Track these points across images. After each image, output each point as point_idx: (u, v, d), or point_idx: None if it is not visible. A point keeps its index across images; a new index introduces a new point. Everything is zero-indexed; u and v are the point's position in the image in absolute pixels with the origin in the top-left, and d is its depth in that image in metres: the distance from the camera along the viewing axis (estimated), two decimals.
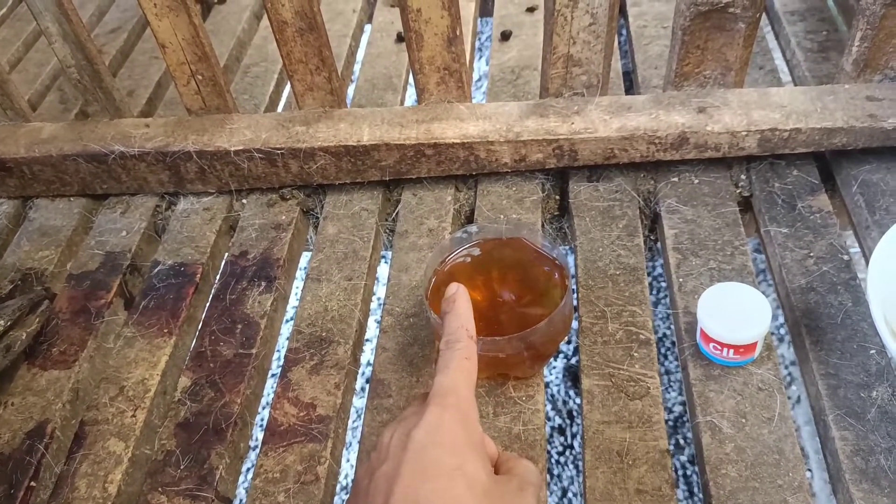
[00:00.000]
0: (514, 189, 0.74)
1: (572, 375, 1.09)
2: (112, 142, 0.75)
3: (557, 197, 0.75)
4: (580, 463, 1.00)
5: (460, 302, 0.49)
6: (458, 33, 0.68)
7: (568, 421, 1.05)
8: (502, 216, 0.71)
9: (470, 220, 0.74)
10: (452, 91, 0.73)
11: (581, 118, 0.70)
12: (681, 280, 0.63)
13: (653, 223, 0.72)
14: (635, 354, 0.59)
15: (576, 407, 1.06)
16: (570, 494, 0.97)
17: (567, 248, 0.71)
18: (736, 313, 0.55)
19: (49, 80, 1.00)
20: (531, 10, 0.98)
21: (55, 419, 0.61)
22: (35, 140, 0.77)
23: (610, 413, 0.56)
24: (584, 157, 0.70)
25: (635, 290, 0.63)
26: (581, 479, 0.74)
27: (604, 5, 0.66)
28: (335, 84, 0.74)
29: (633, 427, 0.54)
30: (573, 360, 1.09)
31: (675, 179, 0.72)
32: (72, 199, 0.79)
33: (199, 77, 0.74)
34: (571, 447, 1.02)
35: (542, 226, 0.71)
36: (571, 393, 1.09)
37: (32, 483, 0.57)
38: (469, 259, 0.60)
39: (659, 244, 0.71)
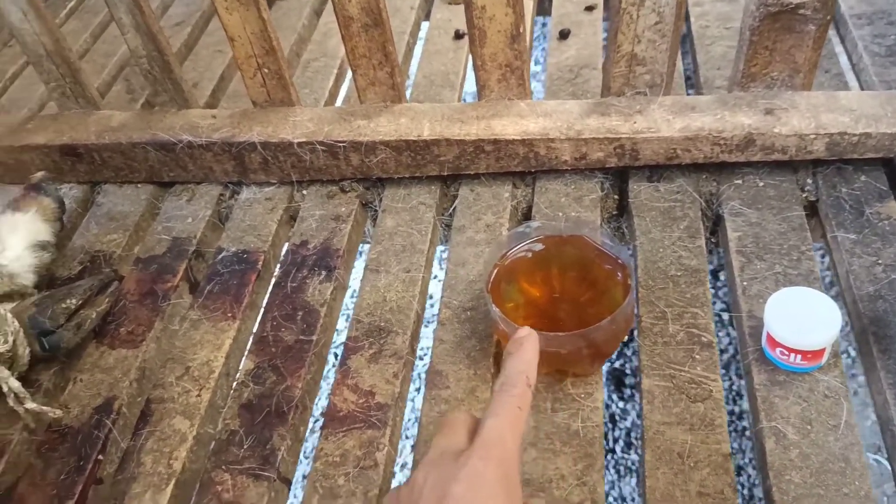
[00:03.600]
0: (572, 187, 0.74)
1: (615, 379, 1.08)
2: (180, 131, 0.77)
3: (616, 196, 0.74)
4: (621, 467, 1.00)
5: (527, 346, 0.45)
6: (521, 30, 0.69)
7: (610, 424, 1.04)
8: (561, 214, 0.71)
9: (527, 216, 0.74)
10: (513, 88, 0.73)
11: (644, 117, 0.69)
12: (745, 283, 0.63)
13: (714, 225, 0.71)
14: (697, 357, 0.58)
15: (618, 410, 1.05)
16: (609, 499, 0.97)
17: (626, 246, 0.71)
18: (805, 318, 0.54)
19: (116, 71, 1.03)
20: (590, 8, 0.98)
21: (122, 396, 0.62)
22: (105, 127, 0.80)
23: (671, 414, 0.55)
24: (645, 157, 0.70)
25: (697, 293, 0.62)
26: (637, 480, 0.74)
27: (671, 4, 0.66)
28: (397, 79, 0.75)
29: (694, 429, 0.54)
30: (616, 364, 1.08)
31: (739, 182, 0.71)
32: (139, 185, 0.82)
33: (266, 70, 0.75)
34: (613, 451, 1.01)
35: (601, 225, 0.71)
36: (614, 396, 1.08)
37: (100, 457, 0.59)
38: (530, 254, 0.60)
39: (720, 247, 0.70)
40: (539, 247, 0.60)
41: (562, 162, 0.72)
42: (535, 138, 0.70)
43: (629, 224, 0.71)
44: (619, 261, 0.58)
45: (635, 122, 0.69)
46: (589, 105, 0.72)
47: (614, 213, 0.74)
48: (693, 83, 0.91)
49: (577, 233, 0.60)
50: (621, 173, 0.75)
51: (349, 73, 1.02)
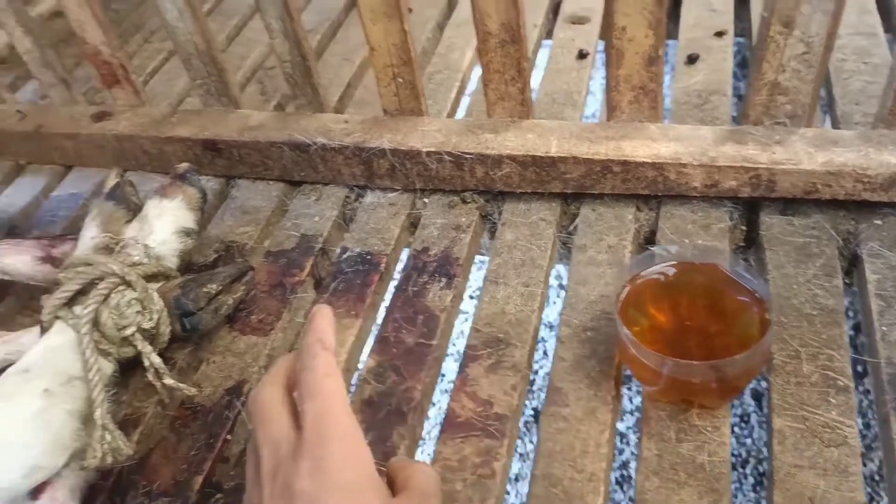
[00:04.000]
0: (699, 214, 0.73)
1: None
2: (315, 133, 0.80)
3: (744, 227, 0.73)
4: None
5: (318, 318, 0.43)
6: (659, 53, 0.68)
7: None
8: (686, 240, 0.70)
9: (650, 241, 0.74)
10: (645, 111, 0.73)
11: (783, 148, 0.68)
12: (884, 329, 0.60)
13: (850, 265, 0.68)
14: (832, 400, 0.56)
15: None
16: None
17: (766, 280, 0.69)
18: None
19: (249, 73, 1.08)
20: (720, 34, 0.96)
21: (251, 381, 0.65)
22: (245, 126, 0.84)
23: (803, 457, 0.54)
24: (781, 189, 0.68)
25: (833, 334, 0.60)
26: None
27: (821, 34, 0.64)
28: (528, 95, 0.76)
29: (827, 475, 0.52)
30: None
31: (879, 222, 0.68)
32: (270, 182, 0.86)
33: (400, 80, 0.78)
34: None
35: (732, 252, 0.70)
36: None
37: (228, 436, 0.62)
38: (662, 278, 0.60)
39: (856, 288, 0.68)
40: (670, 272, 0.60)
41: (691, 188, 0.71)
42: (666, 162, 0.70)
43: (759, 257, 0.69)
44: (757, 294, 0.57)
45: (774, 153, 0.67)
46: (724, 132, 0.71)
47: (741, 244, 0.73)
48: (827, 117, 0.88)
49: (711, 261, 0.60)
50: (751, 204, 0.73)
51: (470, 87, 1.04)
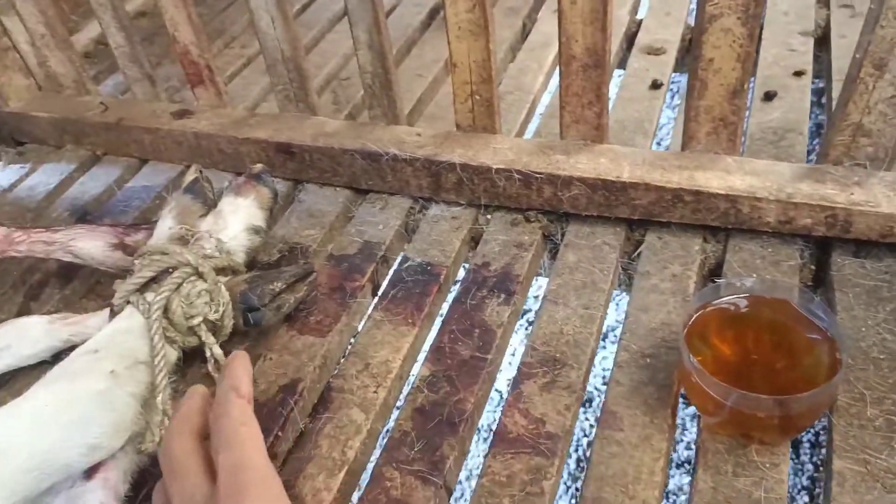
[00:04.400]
0: (769, 250, 0.71)
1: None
2: (388, 144, 0.82)
3: (814, 266, 0.71)
4: None
5: (233, 364, 0.40)
6: (744, 87, 0.68)
7: None
8: (755, 275, 0.69)
9: (716, 273, 0.73)
10: (723, 143, 0.73)
11: (862, 190, 0.66)
12: None
13: None
14: (895, 446, 0.54)
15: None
16: None
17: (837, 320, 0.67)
18: None
19: (323, 83, 1.12)
20: (799, 74, 0.95)
21: (306, 380, 0.66)
22: (320, 132, 0.86)
23: (863, 501, 0.52)
24: (857, 231, 0.67)
25: None
26: None
27: None
28: (603, 120, 0.76)
29: None
30: None
31: None
32: (338, 188, 0.87)
33: (478, 97, 0.79)
34: None
35: (806, 289, 0.68)
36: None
37: (279, 433, 0.63)
38: (732, 308, 0.59)
39: None
40: (742, 303, 0.59)
41: (764, 223, 0.70)
42: (740, 195, 0.69)
43: (828, 298, 0.68)
44: (829, 333, 0.55)
45: (853, 194, 0.66)
46: (802, 169, 0.69)
47: (809, 283, 0.71)
48: None
49: (785, 297, 0.58)
50: (822, 244, 0.72)
51: (539, 109, 1.05)
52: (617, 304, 1.18)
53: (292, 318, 0.72)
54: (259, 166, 0.79)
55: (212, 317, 0.65)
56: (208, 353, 0.65)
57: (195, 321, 0.64)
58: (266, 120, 0.91)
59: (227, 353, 0.68)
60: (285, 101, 0.90)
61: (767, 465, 0.55)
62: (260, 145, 0.88)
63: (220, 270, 0.69)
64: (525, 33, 1.18)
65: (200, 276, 0.65)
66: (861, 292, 0.66)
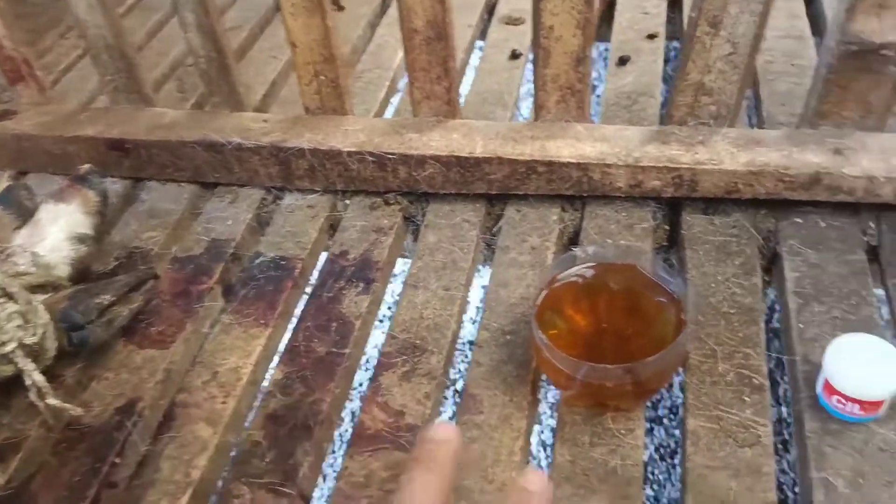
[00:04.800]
0: (623, 214, 0.71)
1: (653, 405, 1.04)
2: (231, 133, 0.76)
3: (667, 227, 0.71)
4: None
5: (422, 479, 0.30)
6: (587, 53, 0.67)
7: None
8: (609, 241, 0.69)
9: (574, 241, 0.72)
10: (572, 111, 0.72)
11: (706, 148, 0.67)
12: (801, 326, 0.59)
13: (769, 264, 0.68)
14: (747, 399, 0.55)
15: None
16: None
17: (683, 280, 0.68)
18: (867, 367, 0.51)
19: (168, 70, 1.04)
20: (651, 36, 0.96)
21: (146, 398, 0.61)
22: (156, 124, 0.80)
23: (716, 458, 0.52)
24: (704, 189, 0.67)
25: (750, 332, 0.59)
26: None
27: (748, 35, 0.63)
28: (453, 94, 0.73)
29: (740, 475, 0.51)
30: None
31: (799, 220, 0.68)
32: (182, 184, 0.81)
33: (322, 78, 0.75)
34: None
35: (652, 252, 0.68)
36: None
37: (117, 459, 0.57)
38: (580, 280, 0.58)
39: (775, 286, 0.67)
40: (590, 273, 0.58)
41: (616, 188, 0.69)
42: (591, 162, 0.68)
43: (680, 256, 0.68)
44: (674, 295, 0.55)
45: (697, 153, 0.66)
46: (649, 132, 0.69)
47: (664, 243, 0.71)
48: (753, 118, 0.88)
49: (630, 261, 0.58)
50: (674, 204, 0.72)
51: (400, 87, 1.01)
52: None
53: (130, 331, 0.66)
54: (86, 167, 0.72)
55: (28, 340, 0.58)
56: (28, 381, 0.58)
57: (7, 348, 0.57)
58: (97, 115, 0.83)
59: (55, 378, 0.62)
60: (116, 93, 0.83)
61: (623, 432, 0.54)
62: (90, 143, 0.80)
63: (38, 288, 0.62)
64: (385, 7, 1.14)
65: (10, 296, 0.58)
66: (711, 249, 0.67)
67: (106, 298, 0.61)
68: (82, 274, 0.69)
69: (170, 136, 0.78)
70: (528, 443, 0.56)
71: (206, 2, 0.72)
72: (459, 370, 0.88)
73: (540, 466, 0.92)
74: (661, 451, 0.97)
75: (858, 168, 0.64)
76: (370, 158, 0.74)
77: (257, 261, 0.72)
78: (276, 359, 0.65)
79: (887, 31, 0.60)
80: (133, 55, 0.79)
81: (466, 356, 1.04)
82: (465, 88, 0.94)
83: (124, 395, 0.61)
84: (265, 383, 0.63)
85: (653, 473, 0.96)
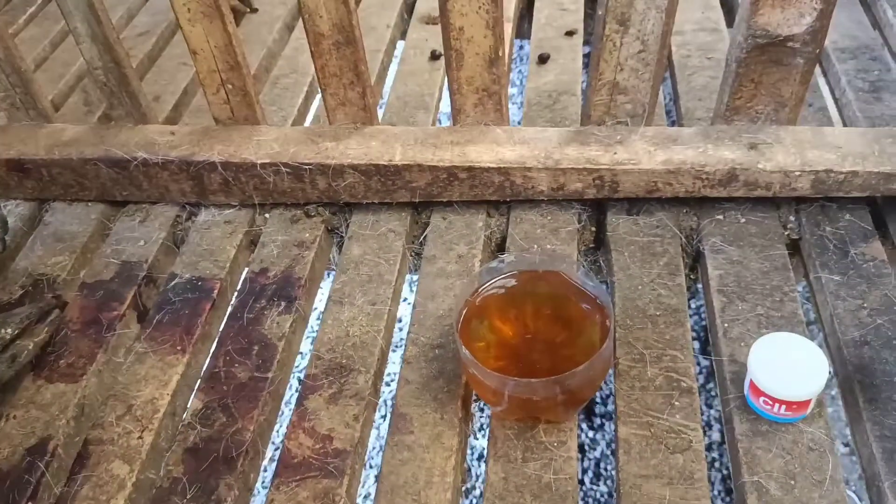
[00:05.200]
0: (548, 218, 0.70)
1: (585, 407, 1.04)
2: (135, 148, 0.72)
3: (593, 229, 0.71)
4: (590, 499, 0.96)
5: None
6: (500, 54, 0.66)
7: (579, 454, 1.00)
8: (536, 246, 0.68)
9: (501, 247, 0.71)
10: (490, 113, 0.70)
11: (624, 148, 0.67)
12: (726, 325, 0.60)
13: (694, 262, 0.68)
14: (676, 403, 0.55)
15: (588, 440, 1.01)
16: None
17: (603, 282, 0.68)
18: (791, 367, 0.51)
19: (73, 81, 0.98)
20: (570, 33, 0.96)
21: (58, 436, 0.57)
22: (56, 142, 0.75)
23: (648, 466, 0.52)
24: (625, 189, 0.67)
25: (677, 334, 0.59)
26: None
27: (656, 32, 0.63)
28: (369, 100, 0.71)
29: (673, 483, 0.51)
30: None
31: (720, 217, 0.68)
32: (90, 204, 0.77)
33: (230, 86, 0.71)
34: (582, 482, 0.97)
35: (577, 258, 0.68)
36: (584, 426, 1.04)
37: (30, 503, 0.54)
38: (503, 290, 0.57)
39: (700, 284, 0.67)
40: (512, 283, 0.57)
41: (538, 192, 0.69)
42: (511, 167, 0.67)
43: (607, 258, 0.68)
44: (598, 301, 0.54)
45: (616, 153, 0.66)
46: (568, 133, 0.69)
47: (591, 245, 0.71)
48: (673, 113, 0.89)
49: (553, 268, 0.57)
50: (599, 205, 0.72)
51: (320, 91, 0.98)
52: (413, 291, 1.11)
53: (39, 366, 0.62)
54: None
55: None
56: None
57: None
58: None
59: None
60: (13, 110, 0.77)
61: (555, 444, 0.54)
62: None
63: None
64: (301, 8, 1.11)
65: None
66: (636, 250, 0.67)
67: (7, 332, 0.58)
68: None
69: (71, 153, 0.73)
70: (462, 460, 0.55)
71: (98, 10, 0.67)
72: (391, 390, 0.86)
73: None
74: (613, 445, 0.98)
75: (773, 163, 0.65)
76: (285, 170, 0.71)
77: (172, 283, 0.68)
78: (196, 386, 0.62)
79: (792, 23, 0.61)
80: (26, 69, 0.74)
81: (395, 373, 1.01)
82: (388, 91, 0.92)
83: (35, 434, 0.57)
84: (185, 414, 0.60)
85: (606, 469, 0.96)
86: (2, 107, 0.78)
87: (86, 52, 0.70)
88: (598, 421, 1.03)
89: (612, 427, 0.98)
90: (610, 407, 1.02)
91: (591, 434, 1.02)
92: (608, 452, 0.97)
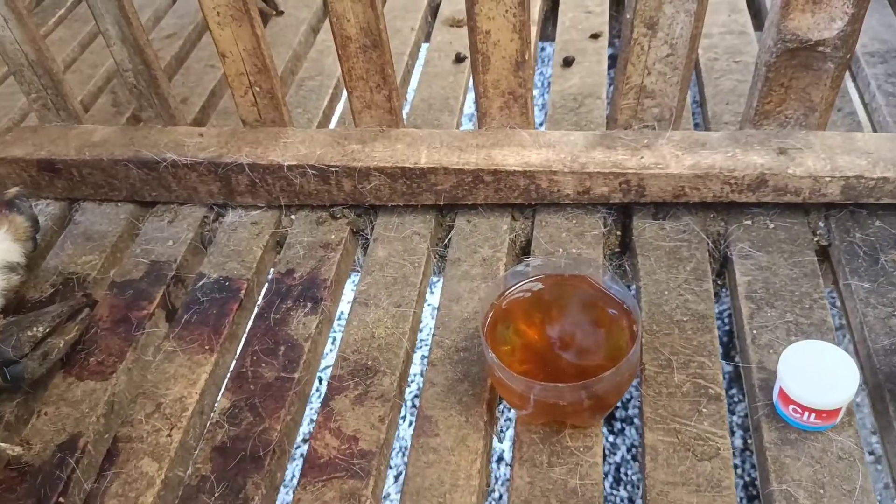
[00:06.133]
0: (574, 222, 0.70)
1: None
2: (165, 149, 0.73)
3: (619, 233, 0.71)
4: None
5: None
6: (526, 57, 0.66)
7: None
8: (561, 250, 0.68)
9: (526, 251, 0.71)
10: (516, 117, 0.70)
11: (651, 152, 0.66)
12: (754, 332, 0.59)
13: (721, 267, 0.68)
14: (704, 410, 0.55)
15: (608, 445, 1.01)
16: None
17: (629, 287, 0.67)
18: (822, 375, 0.51)
19: (102, 83, 1.00)
20: (595, 36, 0.95)
21: (88, 433, 0.58)
22: (86, 142, 0.76)
23: (676, 473, 0.52)
24: (651, 194, 0.67)
25: (704, 340, 0.59)
26: None
27: (684, 36, 0.63)
28: (395, 103, 0.72)
29: (700, 491, 0.50)
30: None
31: (749, 223, 0.68)
32: (119, 204, 0.78)
33: (257, 89, 0.72)
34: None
35: (603, 262, 0.68)
36: (604, 430, 1.03)
37: (61, 499, 0.55)
38: (529, 294, 0.57)
39: (727, 290, 0.67)
40: (539, 286, 0.57)
41: (564, 196, 0.69)
42: (537, 170, 0.67)
43: (632, 263, 0.68)
44: (625, 305, 0.54)
45: (642, 157, 0.66)
46: (594, 137, 0.69)
47: (617, 250, 0.71)
48: (697, 116, 0.88)
49: (579, 272, 0.57)
50: (625, 209, 0.72)
51: (345, 94, 0.99)
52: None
53: (69, 363, 0.63)
54: (13, 191, 0.69)
55: None
56: None
57: None
58: (24, 135, 0.79)
59: None
60: (44, 111, 0.79)
61: (581, 450, 0.54)
62: (19, 165, 0.76)
63: None
64: (327, 11, 1.11)
65: None
66: (662, 255, 0.66)
67: (39, 330, 0.58)
68: (16, 303, 0.66)
69: (100, 154, 0.74)
70: (487, 464, 0.55)
71: (128, 12, 0.68)
72: (415, 392, 0.86)
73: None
74: (634, 450, 0.97)
75: (803, 168, 0.64)
76: (312, 172, 0.71)
77: (200, 283, 0.69)
78: (223, 385, 0.63)
79: (822, 28, 0.60)
80: (57, 70, 0.75)
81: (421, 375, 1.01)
82: (413, 94, 0.92)
83: (66, 431, 0.58)
84: (212, 413, 0.61)
85: (626, 475, 0.96)
86: (33, 108, 0.79)
87: (116, 54, 0.71)
88: (618, 426, 1.02)
89: (633, 432, 0.98)
90: (630, 412, 1.01)
91: (611, 439, 1.01)
92: (629, 457, 0.96)
